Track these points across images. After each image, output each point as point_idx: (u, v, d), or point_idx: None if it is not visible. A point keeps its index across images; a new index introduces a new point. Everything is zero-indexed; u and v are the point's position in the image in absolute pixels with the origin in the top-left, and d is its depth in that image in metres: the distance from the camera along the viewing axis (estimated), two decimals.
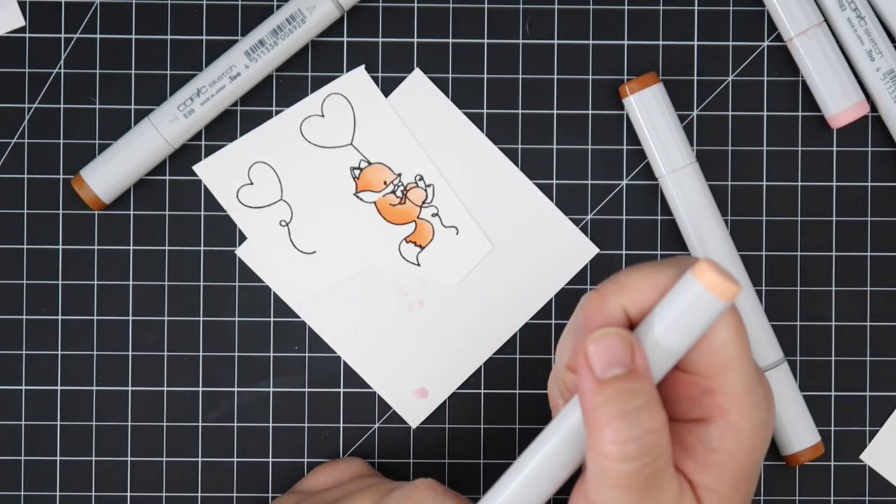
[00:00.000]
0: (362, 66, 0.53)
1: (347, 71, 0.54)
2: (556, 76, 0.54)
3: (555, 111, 0.54)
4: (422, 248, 0.54)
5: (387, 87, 0.54)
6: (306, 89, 0.54)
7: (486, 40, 0.54)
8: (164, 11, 0.54)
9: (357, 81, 0.54)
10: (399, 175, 0.54)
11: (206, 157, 0.54)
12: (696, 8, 0.54)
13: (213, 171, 0.54)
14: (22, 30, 0.54)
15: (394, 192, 0.54)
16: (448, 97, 0.54)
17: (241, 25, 0.54)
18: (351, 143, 0.53)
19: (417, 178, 0.54)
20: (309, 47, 0.54)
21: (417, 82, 0.54)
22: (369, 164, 0.54)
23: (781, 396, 0.52)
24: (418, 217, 0.54)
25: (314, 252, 0.54)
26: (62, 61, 0.53)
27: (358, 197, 0.54)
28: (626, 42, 0.54)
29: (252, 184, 0.54)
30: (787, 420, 0.52)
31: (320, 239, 0.54)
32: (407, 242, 0.54)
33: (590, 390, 0.39)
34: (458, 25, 0.54)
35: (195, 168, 0.53)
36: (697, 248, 0.52)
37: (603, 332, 0.39)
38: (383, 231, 0.54)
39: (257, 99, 0.54)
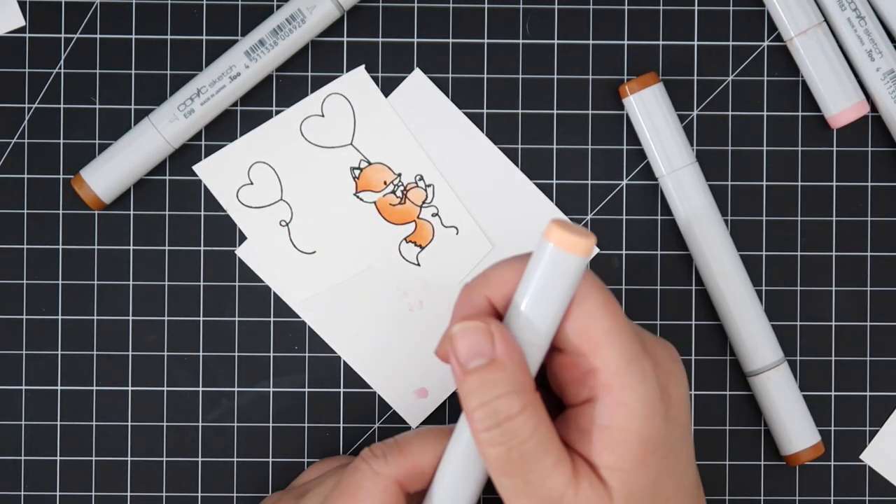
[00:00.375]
0: (362, 66, 0.53)
1: (347, 71, 0.54)
2: (556, 76, 0.54)
3: (555, 111, 0.54)
4: (422, 248, 0.54)
5: (387, 87, 0.54)
6: (306, 89, 0.54)
7: (486, 40, 0.54)
8: (164, 11, 0.54)
9: (357, 81, 0.54)
10: (399, 175, 0.54)
11: (205, 157, 0.54)
12: (696, 8, 0.54)
13: (213, 171, 0.54)
14: (22, 30, 0.54)
15: (394, 192, 0.54)
16: (448, 97, 0.54)
17: (241, 25, 0.54)
18: (351, 143, 0.53)
19: (417, 178, 0.54)
20: (309, 47, 0.54)
21: (417, 82, 0.54)
22: (369, 164, 0.54)
23: (781, 397, 0.52)
24: (418, 217, 0.54)
25: (314, 252, 0.54)
26: (62, 61, 0.53)
27: (358, 197, 0.54)
28: (626, 42, 0.54)
29: (252, 184, 0.54)
30: (787, 420, 0.52)
31: (320, 239, 0.54)
32: (407, 242, 0.54)
33: (457, 381, 0.41)
34: (458, 25, 0.54)
35: (195, 168, 0.53)
36: (701, 248, 0.52)
37: (464, 324, 0.41)
38: (383, 231, 0.54)
39: (257, 99, 0.54)
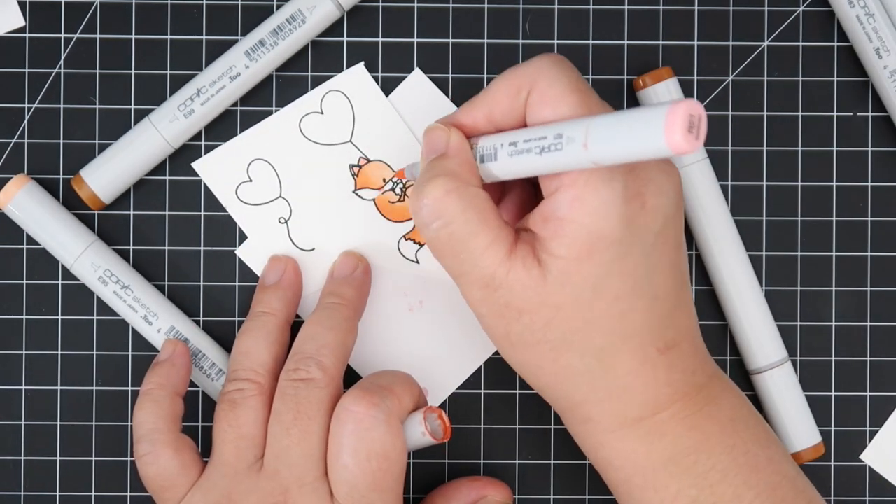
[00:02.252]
0: (361, 64, 0.53)
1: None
2: None
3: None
4: (421, 245, 0.54)
5: (387, 87, 0.54)
6: (306, 89, 0.54)
7: (486, 40, 0.54)
8: (164, 11, 0.54)
9: (356, 79, 0.54)
10: (395, 173, 0.54)
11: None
12: (696, 8, 0.54)
13: (212, 169, 0.54)
14: (22, 30, 0.54)
15: (393, 189, 0.54)
16: (448, 97, 0.54)
17: (241, 25, 0.54)
18: (350, 141, 0.53)
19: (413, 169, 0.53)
20: (309, 47, 0.54)
21: (417, 82, 0.54)
22: (368, 161, 0.54)
23: (783, 396, 0.53)
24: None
25: (313, 249, 0.54)
26: (62, 61, 0.53)
27: (357, 194, 0.54)
28: (626, 42, 0.54)
29: (251, 181, 0.54)
30: (788, 420, 0.52)
31: (319, 236, 0.54)
32: (406, 240, 0.54)
33: (421, 157, 0.47)
34: (458, 25, 0.54)
35: (194, 165, 0.53)
36: (709, 244, 0.52)
37: (431, 125, 0.46)
38: (382, 228, 0.54)
39: (257, 99, 0.54)
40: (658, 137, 0.37)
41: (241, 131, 0.54)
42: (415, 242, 0.54)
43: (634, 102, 0.53)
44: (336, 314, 0.50)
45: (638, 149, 0.39)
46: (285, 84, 0.54)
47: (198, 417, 0.54)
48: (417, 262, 0.54)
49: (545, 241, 0.44)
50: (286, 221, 0.54)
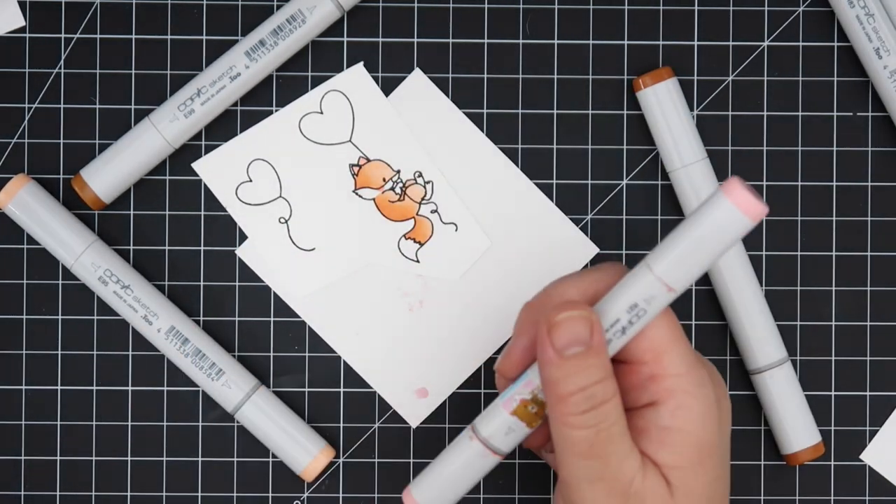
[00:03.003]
0: (361, 64, 0.53)
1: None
2: (556, 76, 0.54)
3: (555, 111, 0.54)
4: (421, 244, 0.54)
5: (387, 87, 0.54)
6: (306, 89, 0.54)
7: (486, 40, 0.54)
8: (164, 11, 0.54)
9: (356, 78, 0.54)
10: (398, 172, 0.54)
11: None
12: (696, 8, 0.54)
13: (212, 169, 0.54)
14: (22, 30, 0.54)
15: (392, 188, 0.54)
16: (448, 97, 0.54)
17: (241, 25, 0.54)
18: (350, 140, 0.53)
19: (416, 174, 0.54)
20: (309, 47, 0.54)
21: (417, 82, 0.54)
22: (368, 160, 0.54)
23: (783, 396, 0.53)
24: (417, 214, 0.54)
25: (313, 249, 0.54)
26: (62, 61, 0.53)
27: (357, 194, 0.54)
28: (626, 42, 0.54)
29: (251, 181, 0.54)
30: (788, 420, 0.52)
31: (320, 236, 0.54)
32: (406, 239, 0.54)
33: (550, 367, 0.42)
34: (458, 25, 0.54)
35: (194, 166, 0.53)
36: None
37: (568, 313, 0.42)
38: (382, 228, 0.54)
39: (257, 99, 0.54)
40: (732, 211, 0.39)
41: (241, 131, 0.54)
42: (415, 241, 0.54)
43: (634, 102, 0.53)
44: None
45: (718, 237, 0.40)
46: (285, 84, 0.54)
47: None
48: (418, 261, 0.54)
49: (656, 452, 0.43)
50: (286, 221, 0.54)
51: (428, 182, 0.53)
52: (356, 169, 0.54)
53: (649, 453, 0.43)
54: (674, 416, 0.43)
